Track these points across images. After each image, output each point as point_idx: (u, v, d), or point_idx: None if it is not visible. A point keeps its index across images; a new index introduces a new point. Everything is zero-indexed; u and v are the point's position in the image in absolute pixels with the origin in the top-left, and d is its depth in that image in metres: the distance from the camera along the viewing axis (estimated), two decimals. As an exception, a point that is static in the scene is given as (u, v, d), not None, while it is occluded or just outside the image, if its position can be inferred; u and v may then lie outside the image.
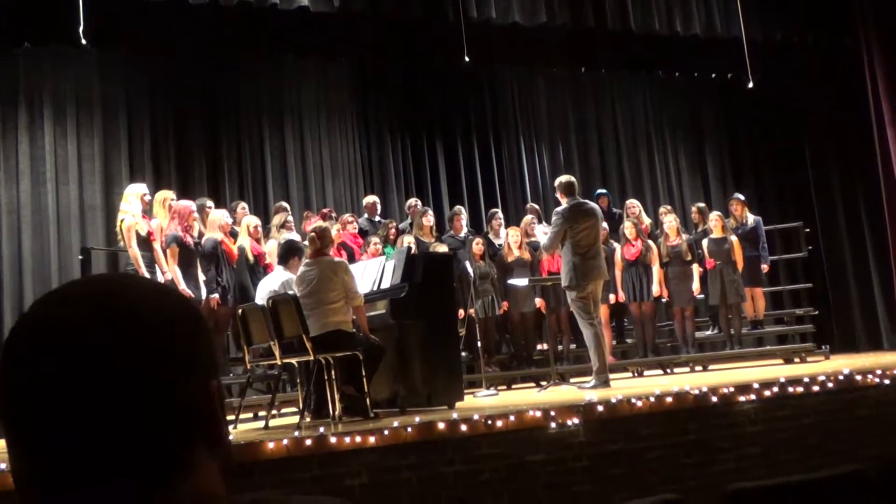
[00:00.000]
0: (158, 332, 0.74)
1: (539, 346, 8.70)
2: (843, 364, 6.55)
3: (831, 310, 10.22)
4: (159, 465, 0.72)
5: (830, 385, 5.39)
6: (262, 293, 6.19)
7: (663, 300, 8.66)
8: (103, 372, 0.70)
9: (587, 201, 6.93)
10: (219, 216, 7.26)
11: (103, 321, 0.72)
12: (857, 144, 9.86)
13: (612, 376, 6.68)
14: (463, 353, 7.31)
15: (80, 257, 7.60)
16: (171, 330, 0.75)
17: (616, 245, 8.62)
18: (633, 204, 9.26)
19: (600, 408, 4.81)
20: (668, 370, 8.52)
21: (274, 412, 5.88)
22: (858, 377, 5.51)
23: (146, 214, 6.90)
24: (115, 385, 0.71)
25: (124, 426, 0.71)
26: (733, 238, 8.55)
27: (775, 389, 5.21)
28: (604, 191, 9.70)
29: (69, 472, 0.70)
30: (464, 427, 4.47)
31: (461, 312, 7.59)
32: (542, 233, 7.66)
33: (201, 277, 6.92)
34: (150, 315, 0.74)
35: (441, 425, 4.44)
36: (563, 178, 6.92)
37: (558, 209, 6.72)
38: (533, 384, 8.18)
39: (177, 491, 0.72)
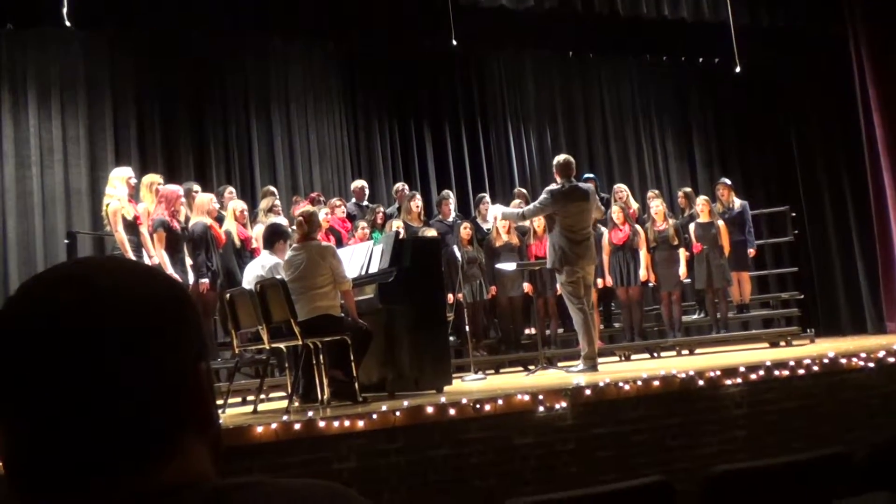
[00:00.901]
0: (145, 314, 0.73)
1: (527, 331, 8.73)
2: (828, 348, 6.60)
3: (816, 294, 10.30)
4: (148, 448, 0.72)
5: (815, 369, 5.43)
6: (249, 277, 6.17)
7: (650, 284, 8.70)
8: (89, 354, 0.70)
9: (581, 185, 6.80)
10: (206, 200, 7.21)
11: (89, 303, 0.72)
12: (844, 129, 9.90)
13: (599, 360, 6.70)
14: (451, 338, 7.32)
15: (66, 241, 7.56)
16: (158, 312, 0.75)
17: (603, 229, 8.63)
18: (621, 188, 9.27)
19: (588, 391, 4.83)
20: (655, 354, 8.56)
21: (262, 396, 5.88)
22: (843, 361, 5.55)
23: (132, 198, 6.85)
24: (102, 367, 0.70)
25: (111, 408, 0.70)
26: (720, 222, 8.59)
27: (761, 373, 5.25)
28: (591, 175, 9.66)
29: (56, 455, 0.70)
30: (452, 411, 4.48)
31: (449, 297, 7.59)
32: (494, 216, 7.73)
33: (188, 262, 6.89)
34: (136, 297, 0.74)
35: (429, 409, 4.45)
36: (561, 158, 6.78)
37: (549, 188, 6.66)
38: (521, 368, 8.21)
39: (166, 474, 0.72)
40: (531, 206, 6.88)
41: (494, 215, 7.77)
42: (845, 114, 9.72)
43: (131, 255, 6.42)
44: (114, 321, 0.71)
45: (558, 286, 6.87)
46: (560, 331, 8.67)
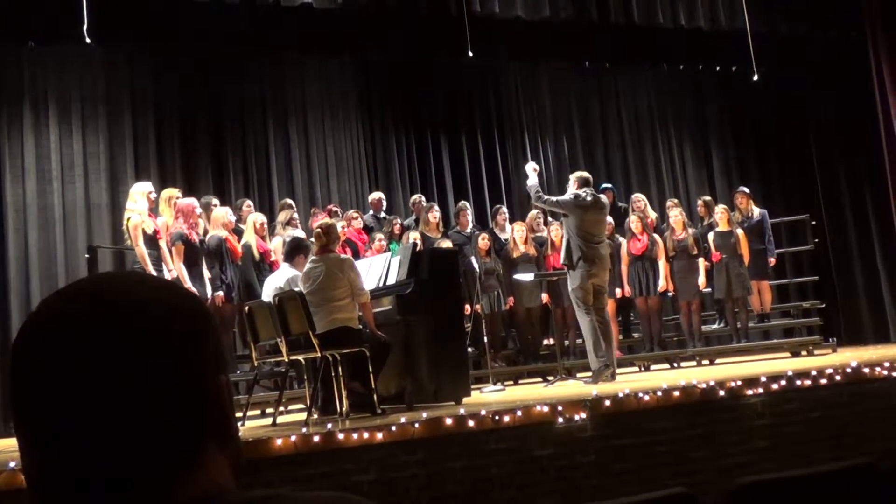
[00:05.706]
0: (165, 328, 0.74)
1: (545, 341, 8.70)
2: (851, 357, 6.53)
3: (838, 302, 10.19)
4: (168, 461, 0.72)
5: (838, 378, 5.37)
6: (268, 290, 6.19)
7: (669, 294, 8.64)
8: (111, 368, 0.70)
9: (600, 196, 6.98)
10: (222, 213, 7.27)
11: (110, 318, 0.72)
12: (863, 137, 9.82)
13: (618, 371, 6.67)
14: (469, 349, 7.31)
15: (87, 256, 7.62)
16: (178, 326, 0.75)
17: (622, 240, 8.60)
18: (639, 198, 9.24)
19: (607, 402, 4.80)
20: (675, 364, 8.50)
21: (281, 409, 5.89)
22: (866, 370, 5.49)
23: (152, 213, 6.91)
24: (123, 381, 0.71)
25: (132, 421, 0.71)
26: (739, 231, 8.53)
27: (783, 383, 5.20)
28: (609, 185, 9.66)
29: (77, 468, 0.70)
30: (471, 422, 4.47)
31: (467, 308, 7.58)
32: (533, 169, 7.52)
33: (206, 275, 6.94)
34: (156, 311, 0.74)
35: (448, 421, 4.44)
36: (579, 173, 7.05)
37: (576, 192, 6.78)
38: (539, 379, 8.18)
39: (186, 486, 0.72)
40: (551, 197, 6.93)
41: (533, 169, 7.36)
42: (865, 121, 9.65)
43: (151, 270, 6.47)
44: (133, 335, 0.72)
45: (569, 292, 6.88)
46: (578, 341, 8.60)
